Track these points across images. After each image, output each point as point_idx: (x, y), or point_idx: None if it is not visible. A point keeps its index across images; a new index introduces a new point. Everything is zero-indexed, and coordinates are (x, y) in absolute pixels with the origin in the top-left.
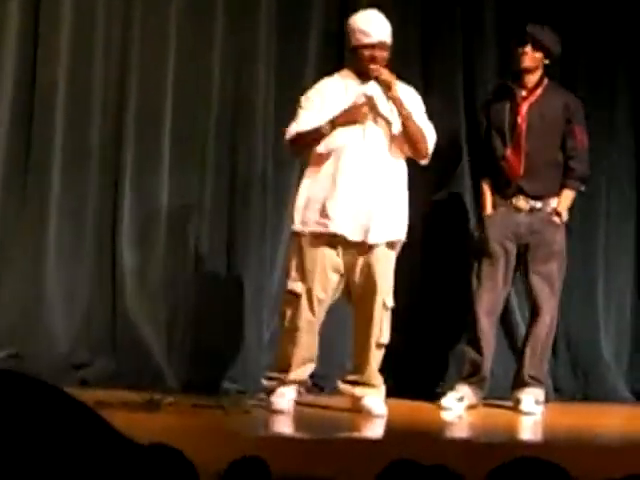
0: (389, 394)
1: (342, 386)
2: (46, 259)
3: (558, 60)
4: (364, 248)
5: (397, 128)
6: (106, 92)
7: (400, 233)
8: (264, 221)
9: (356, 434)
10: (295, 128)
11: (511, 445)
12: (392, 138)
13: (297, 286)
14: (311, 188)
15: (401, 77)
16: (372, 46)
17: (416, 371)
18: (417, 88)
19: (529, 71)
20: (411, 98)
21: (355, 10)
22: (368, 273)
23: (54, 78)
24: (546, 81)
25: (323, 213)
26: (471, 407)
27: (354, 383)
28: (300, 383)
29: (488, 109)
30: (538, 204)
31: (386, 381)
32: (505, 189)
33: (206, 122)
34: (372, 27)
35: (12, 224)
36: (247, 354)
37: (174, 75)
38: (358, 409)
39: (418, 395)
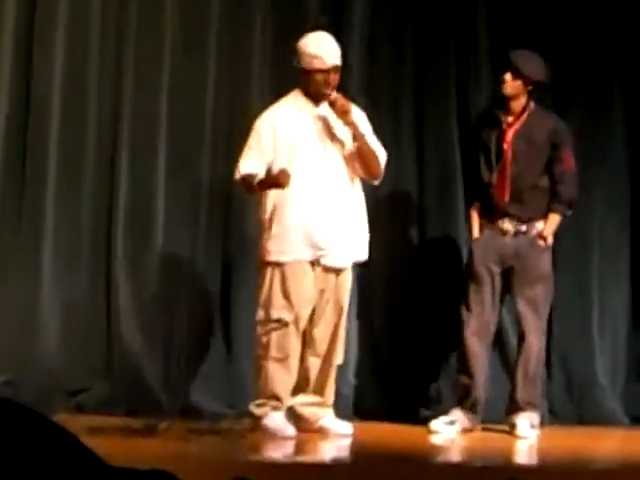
0: (380, 418)
1: (302, 409)
2: (41, 286)
3: (548, 86)
4: (335, 270)
5: (348, 149)
6: (100, 108)
7: (365, 253)
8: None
9: (347, 457)
10: (243, 170)
11: (504, 468)
12: (346, 159)
13: (285, 315)
14: (285, 215)
15: (394, 104)
16: (326, 71)
17: (405, 394)
18: (409, 114)
19: (512, 98)
20: (361, 119)
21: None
22: (336, 295)
23: (49, 93)
24: (532, 106)
25: (304, 240)
26: (466, 431)
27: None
28: (289, 409)
29: (475, 135)
30: (523, 227)
31: (376, 404)
32: (492, 213)
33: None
34: (325, 52)
35: (7, 248)
36: (242, 379)
37: (169, 87)
38: (319, 430)
39: (407, 419)
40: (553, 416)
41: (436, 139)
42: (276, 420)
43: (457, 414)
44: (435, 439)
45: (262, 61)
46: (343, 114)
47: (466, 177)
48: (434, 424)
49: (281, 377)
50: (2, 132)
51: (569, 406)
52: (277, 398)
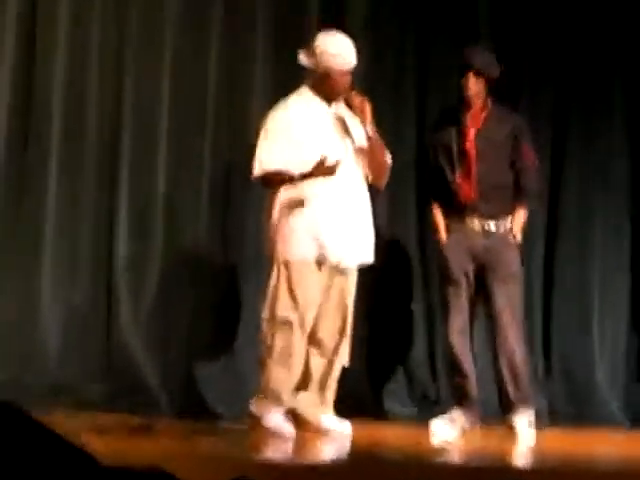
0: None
1: (302, 409)
2: (40, 283)
3: (499, 80)
4: (342, 271)
5: (360, 147)
6: (102, 105)
7: (372, 255)
8: (260, 241)
9: (346, 458)
10: (265, 166)
11: (504, 469)
12: (358, 160)
13: (290, 315)
14: (297, 214)
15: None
16: (346, 72)
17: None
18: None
19: (473, 98)
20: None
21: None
22: (342, 296)
23: (50, 94)
24: (490, 104)
25: (313, 240)
26: (465, 431)
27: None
28: (289, 409)
29: (435, 135)
30: (492, 226)
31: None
32: (458, 212)
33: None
34: (346, 52)
35: (6, 245)
36: (243, 379)
37: (170, 77)
38: (318, 430)
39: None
40: (553, 417)
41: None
42: (275, 419)
43: (456, 413)
44: (435, 439)
45: (264, 59)
46: (361, 113)
47: (425, 179)
48: (434, 424)
49: (283, 377)
50: (3, 133)
51: (568, 408)
52: (278, 397)
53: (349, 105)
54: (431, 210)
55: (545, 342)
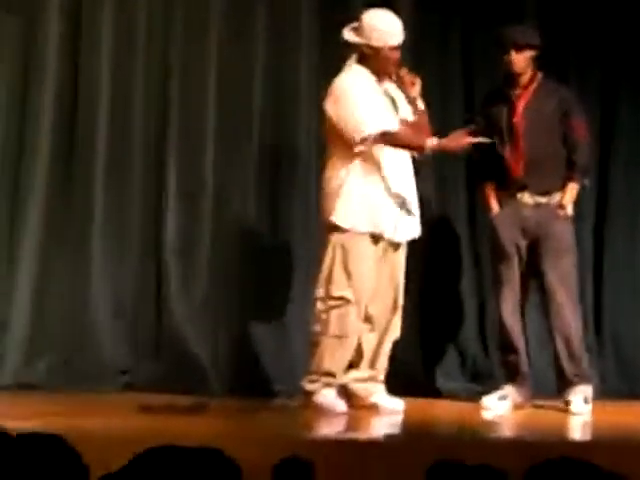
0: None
1: (354, 385)
2: (90, 265)
3: (545, 55)
4: (394, 245)
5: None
6: (149, 94)
7: (419, 229)
8: (309, 221)
9: (399, 434)
10: (377, 127)
11: (556, 443)
12: None
13: (346, 293)
14: (357, 185)
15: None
16: (397, 47)
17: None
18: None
19: (520, 73)
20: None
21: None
22: (394, 269)
23: (96, 90)
24: (539, 77)
25: (375, 214)
26: (518, 407)
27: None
28: (341, 386)
29: (485, 112)
30: (543, 199)
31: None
32: (509, 187)
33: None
34: (397, 29)
35: (57, 230)
36: (293, 356)
37: (216, 79)
38: (370, 407)
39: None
40: (604, 392)
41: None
42: (328, 397)
43: (508, 389)
44: (487, 415)
45: (309, 49)
46: (411, 87)
47: (477, 155)
48: (486, 400)
49: (338, 355)
50: (50, 121)
51: (620, 381)
52: (331, 375)
53: (400, 81)
54: (482, 187)
55: (596, 319)
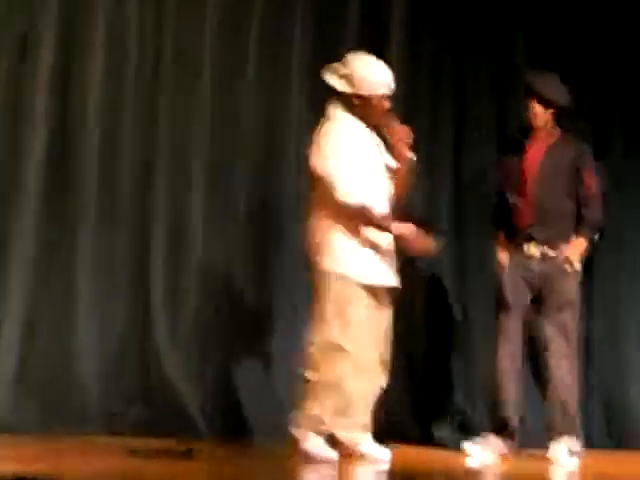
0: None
1: (340, 433)
2: (77, 308)
3: (569, 110)
4: (384, 292)
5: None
6: (136, 125)
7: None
8: (295, 267)
9: None
10: (359, 200)
11: None
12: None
13: (341, 340)
14: (344, 233)
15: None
16: (387, 97)
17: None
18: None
19: (539, 125)
20: None
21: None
22: (381, 317)
23: (86, 109)
24: (558, 131)
25: (364, 262)
26: (502, 456)
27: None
28: (329, 435)
29: (500, 161)
30: (549, 251)
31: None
32: (516, 237)
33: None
34: (388, 77)
35: (44, 275)
36: (280, 401)
37: (206, 102)
38: (357, 455)
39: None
40: (590, 447)
41: (473, 165)
42: (316, 444)
43: (492, 438)
44: (472, 464)
45: (301, 75)
46: (400, 140)
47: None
48: (469, 448)
49: (328, 401)
50: (41, 152)
51: (607, 439)
52: (321, 423)
53: (388, 130)
54: (497, 235)
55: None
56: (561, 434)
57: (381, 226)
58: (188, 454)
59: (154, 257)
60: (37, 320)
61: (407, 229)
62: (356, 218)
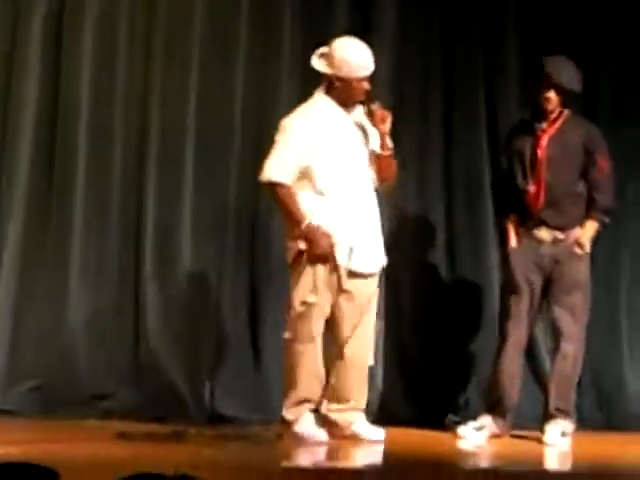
0: (408, 423)
1: (333, 415)
2: (68, 291)
3: (579, 95)
4: (363, 276)
5: (373, 155)
6: (127, 124)
7: (384, 258)
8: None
9: (379, 463)
10: (276, 176)
11: (532, 474)
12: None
13: (311, 298)
14: (317, 214)
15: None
16: (367, 78)
17: (433, 400)
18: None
19: (550, 109)
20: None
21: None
22: (363, 299)
23: (75, 108)
24: (566, 113)
25: (338, 246)
26: (495, 437)
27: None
28: (322, 416)
29: (509, 145)
30: (560, 235)
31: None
32: (527, 221)
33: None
34: (368, 59)
35: (34, 256)
36: (271, 386)
37: (196, 101)
38: (351, 436)
39: (435, 425)
40: (581, 424)
41: (465, 151)
42: (308, 426)
43: (486, 420)
44: (464, 445)
45: (291, 70)
46: (381, 122)
47: (498, 188)
48: (462, 430)
49: (311, 380)
50: (29, 150)
51: (598, 414)
52: (307, 401)
53: (370, 114)
54: (502, 221)
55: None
56: (556, 416)
57: (291, 216)
58: (178, 438)
59: (145, 240)
60: (27, 304)
61: (321, 237)
62: (273, 194)
